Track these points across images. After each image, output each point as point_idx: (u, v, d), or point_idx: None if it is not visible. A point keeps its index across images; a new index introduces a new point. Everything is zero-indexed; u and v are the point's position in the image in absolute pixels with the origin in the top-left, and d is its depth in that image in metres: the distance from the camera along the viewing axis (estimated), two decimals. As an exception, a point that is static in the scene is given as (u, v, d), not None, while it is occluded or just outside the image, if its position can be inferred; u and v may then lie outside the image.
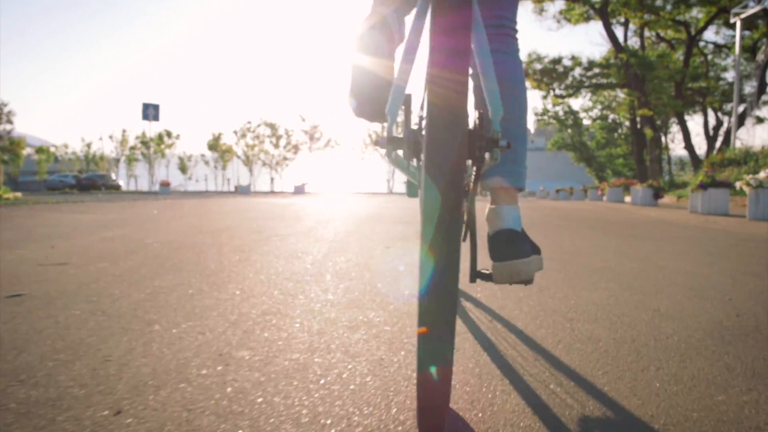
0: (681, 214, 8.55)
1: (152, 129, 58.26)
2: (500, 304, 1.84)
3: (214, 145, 50.60)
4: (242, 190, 28.73)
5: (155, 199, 14.41)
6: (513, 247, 1.17)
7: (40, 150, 51.80)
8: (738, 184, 7.51)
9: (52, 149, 52.54)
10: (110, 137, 52.10)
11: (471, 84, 1.21)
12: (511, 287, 2.14)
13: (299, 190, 26.10)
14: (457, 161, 0.77)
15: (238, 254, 2.96)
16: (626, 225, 6.13)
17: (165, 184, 27.00)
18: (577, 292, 2.10)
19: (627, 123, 40.77)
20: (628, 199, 16.40)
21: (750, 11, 17.96)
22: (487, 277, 1.21)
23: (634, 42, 31.35)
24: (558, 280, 2.37)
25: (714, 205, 8.47)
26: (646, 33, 31.47)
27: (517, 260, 1.16)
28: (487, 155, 0.96)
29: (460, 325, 1.57)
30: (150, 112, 26.95)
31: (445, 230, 0.78)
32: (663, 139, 31.23)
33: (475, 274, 1.20)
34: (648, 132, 25.12)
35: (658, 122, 27.39)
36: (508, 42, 1.29)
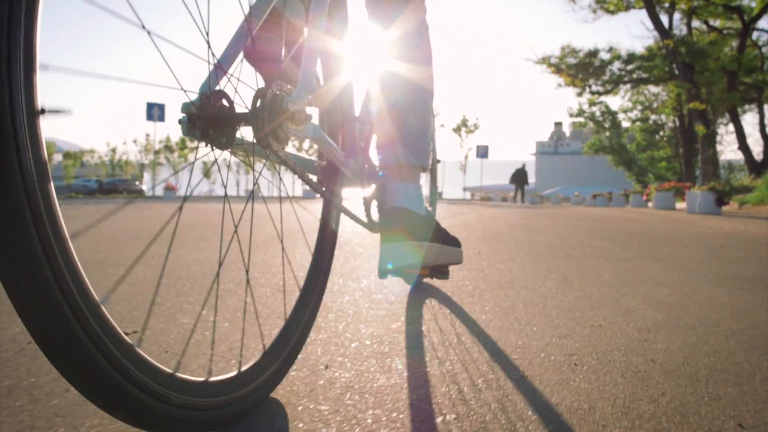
0: (769, 228, 6.13)
1: (169, 133, 57.56)
2: None
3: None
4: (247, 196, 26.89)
5: (144, 203, 12.52)
6: (399, 228, 1.02)
7: (67, 155, 51.75)
8: None
9: (79, 154, 52.36)
10: (134, 141, 51.32)
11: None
12: None
13: (308, 195, 24.13)
14: None
15: None
16: (712, 252, 3.83)
17: (170, 188, 25.74)
18: None
19: (671, 123, 37.67)
20: (679, 205, 13.80)
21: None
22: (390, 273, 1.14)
23: (680, 32, 28.36)
24: None
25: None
26: (694, 23, 28.45)
27: (403, 242, 1.01)
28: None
29: None
30: (155, 112, 25.23)
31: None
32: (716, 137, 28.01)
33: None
34: (700, 129, 22.07)
35: (709, 117, 24.31)
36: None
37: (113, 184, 39.12)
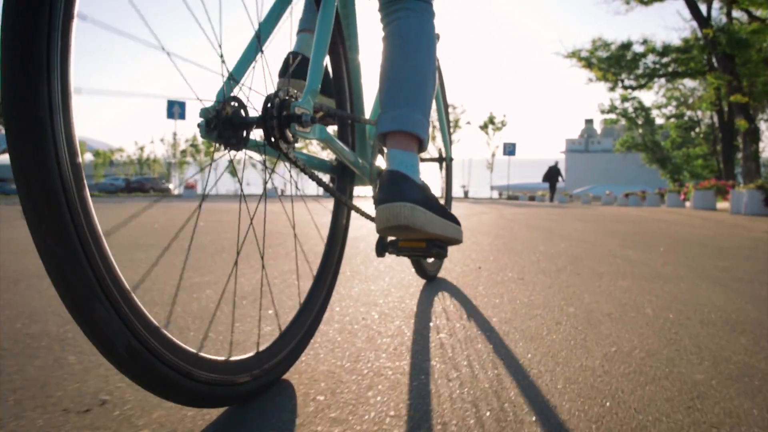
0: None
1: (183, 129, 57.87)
2: None
3: (260, 147, 48.87)
4: (271, 194, 26.72)
5: (162, 200, 12.11)
6: (393, 189, 1.01)
7: (96, 154, 52.54)
8: None
9: (109, 153, 53.09)
10: (161, 140, 51.56)
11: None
12: None
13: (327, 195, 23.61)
14: None
15: None
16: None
17: (189, 187, 25.59)
18: None
19: (707, 120, 36.02)
20: (720, 205, 12.74)
21: None
22: (386, 246, 1.20)
23: (719, 23, 26.84)
24: None
25: None
26: (735, 13, 26.90)
27: (396, 202, 0.99)
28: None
29: None
30: (175, 110, 24.97)
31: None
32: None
33: (380, 248, 1.19)
34: (742, 124, 20.63)
35: (750, 112, 22.77)
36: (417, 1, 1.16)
37: (140, 183, 39.70)
